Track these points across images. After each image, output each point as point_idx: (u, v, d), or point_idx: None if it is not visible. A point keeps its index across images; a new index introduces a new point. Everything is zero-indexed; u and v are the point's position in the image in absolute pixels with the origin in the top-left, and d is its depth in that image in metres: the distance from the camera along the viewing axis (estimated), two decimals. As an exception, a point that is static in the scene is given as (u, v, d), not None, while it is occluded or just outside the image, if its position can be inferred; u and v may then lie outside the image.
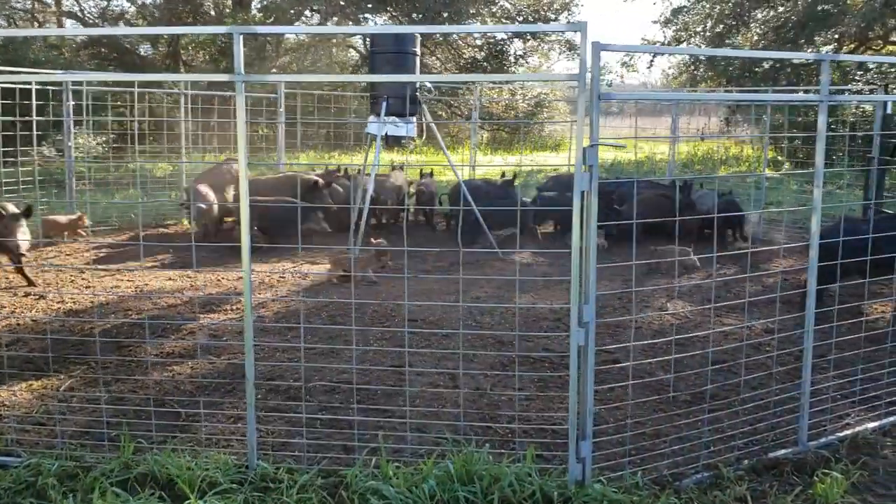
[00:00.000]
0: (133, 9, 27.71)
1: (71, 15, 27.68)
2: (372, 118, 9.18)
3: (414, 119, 9.22)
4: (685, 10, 26.08)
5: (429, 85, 9.41)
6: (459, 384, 5.19)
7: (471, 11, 21.55)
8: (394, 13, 21.82)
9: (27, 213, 7.75)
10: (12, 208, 7.73)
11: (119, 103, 17.80)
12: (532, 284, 8.10)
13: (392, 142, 9.30)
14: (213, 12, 25.74)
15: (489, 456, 3.82)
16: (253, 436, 3.91)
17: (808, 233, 4.27)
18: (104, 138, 19.18)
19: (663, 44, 26.85)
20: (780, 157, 21.51)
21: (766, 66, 23.35)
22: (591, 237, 3.57)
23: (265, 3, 25.56)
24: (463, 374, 5.27)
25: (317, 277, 8.50)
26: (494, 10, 22.54)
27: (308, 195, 9.76)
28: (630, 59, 28.16)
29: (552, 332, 6.46)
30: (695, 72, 25.82)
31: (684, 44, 26.83)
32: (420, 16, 22.09)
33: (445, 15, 21.00)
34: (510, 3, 24.06)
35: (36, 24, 27.09)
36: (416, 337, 6.24)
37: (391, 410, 4.69)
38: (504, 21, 22.92)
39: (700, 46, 26.05)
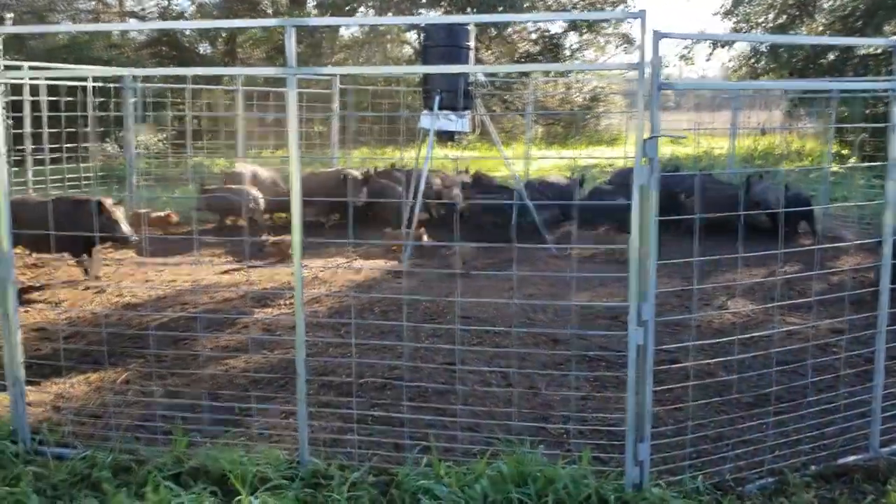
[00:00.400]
0: (192, 7, 28.20)
1: (132, 14, 28.27)
2: (425, 112, 9.12)
3: (467, 113, 9.12)
4: (746, 0, 25.42)
5: (483, 78, 9.29)
6: (512, 383, 5.10)
7: (525, 5, 21.35)
8: (448, 8, 21.75)
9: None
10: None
11: (178, 100, 18.11)
12: (588, 282, 7.94)
13: (445, 137, 9.21)
14: (269, 10, 26.02)
15: (543, 457, 3.72)
16: (304, 431, 3.89)
17: (877, 229, 4.06)
18: (164, 135, 19.60)
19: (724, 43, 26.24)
20: (844, 151, 20.83)
21: (831, 57, 22.62)
22: (651, 233, 3.44)
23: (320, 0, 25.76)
24: (516, 372, 5.18)
25: (370, 272, 8.49)
26: (549, 2, 22.32)
27: (338, 189, 9.63)
28: (689, 52, 27.55)
29: (608, 330, 6.31)
30: (755, 64, 25.14)
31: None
32: (474, 10, 21.97)
33: (500, 9, 20.85)
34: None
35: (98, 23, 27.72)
36: (468, 334, 6.15)
37: (443, 408, 4.62)
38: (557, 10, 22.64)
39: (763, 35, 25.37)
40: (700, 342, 5.71)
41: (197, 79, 13.14)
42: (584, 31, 23.79)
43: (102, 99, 11.33)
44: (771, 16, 25.38)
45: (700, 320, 6.65)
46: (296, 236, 3.78)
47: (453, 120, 8.93)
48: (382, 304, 7.03)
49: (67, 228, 6.98)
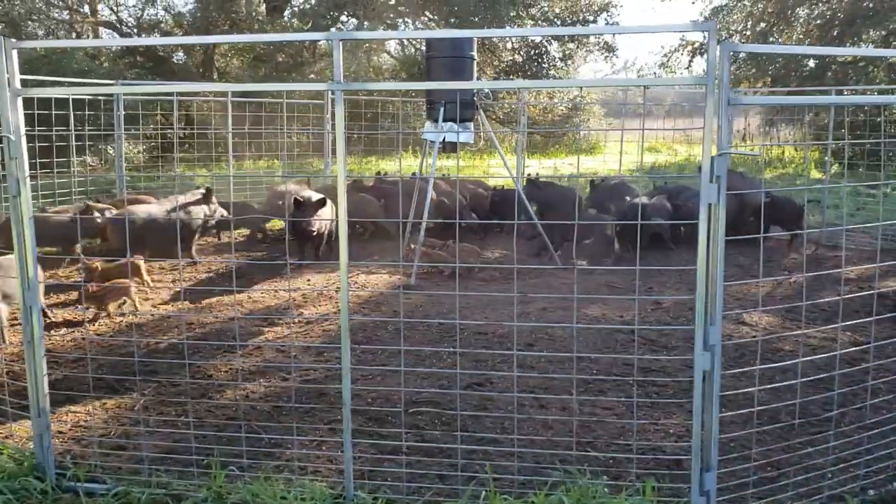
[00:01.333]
0: (169, 17, 27.80)
1: (108, 25, 27.81)
2: (429, 124, 8.97)
3: (471, 125, 8.99)
4: (726, 8, 25.62)
5: (486, 90, 9.15)
6: (566, 407, 4.94)
7: (511, 14, 21.29)
8: (431, 16, 21.63)
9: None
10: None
11: (157, 113, 17.79)
12: (598, 296, 7.82)
13: (449, 148, 9.05)
14: (244, 19, 25.74)
15: (605, 489, 3.56)
16: (350, 464, 3.69)
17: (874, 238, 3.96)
18: (144, 147, 19.27)
19: (702, 44, 26.37)
20: (826, 158, 20.96)
21: (811, 64, 22.84)
22: (719, 253, 3.30)
23: (297, 8, 25.54)
24: (558, 397, 5.01)
25: (375, 288, 8.32)
26: (534, 12, 22.30)
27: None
28: (667, 60, 27.72)
29: (631, 348, 6.18)
30: (736, 71, 25.30)
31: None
32: (456, 20, 21.88)
33: (476, 19, 20.76)
34: (547, 5, 23.76)
35: (74, 34, 27.25)
36: (490, 355, 5.98)
37: (481, 435, 4.45)
38: (542, 24, 22.61)
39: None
40: (762, 367, 5.53)
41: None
42: (566, 40, 23.78)
43: (82, 112, 11.01)
44: (749, 23, 25.63)
45: (733, 334, 6.52)
46: (343, 256, 3.60)
47: (457, 131, 8.78)
48: (396, 322, 6.85)
49: None
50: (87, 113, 10.55)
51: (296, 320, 6.94)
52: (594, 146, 29.92)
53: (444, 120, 8.71)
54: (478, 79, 12.64)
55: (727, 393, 4.30)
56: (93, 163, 18.71)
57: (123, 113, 10.91)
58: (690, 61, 27.72)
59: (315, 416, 4.76)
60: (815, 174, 19.87)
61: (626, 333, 6.62)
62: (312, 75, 19.75)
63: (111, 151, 19.09)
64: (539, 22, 22.38)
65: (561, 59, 24.49)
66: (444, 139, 8.80)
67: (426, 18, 21.96)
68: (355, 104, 14.25)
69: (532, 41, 23.92)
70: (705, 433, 3.44)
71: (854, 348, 6.00)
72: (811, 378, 4.97)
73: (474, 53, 8.89)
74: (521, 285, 8.34)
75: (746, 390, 4.62)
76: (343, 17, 24.09)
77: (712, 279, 3.33)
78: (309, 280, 8.68)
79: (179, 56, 28.18)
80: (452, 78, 8.61)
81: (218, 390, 5.26)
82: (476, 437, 4.44)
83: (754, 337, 6.58)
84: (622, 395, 5.16)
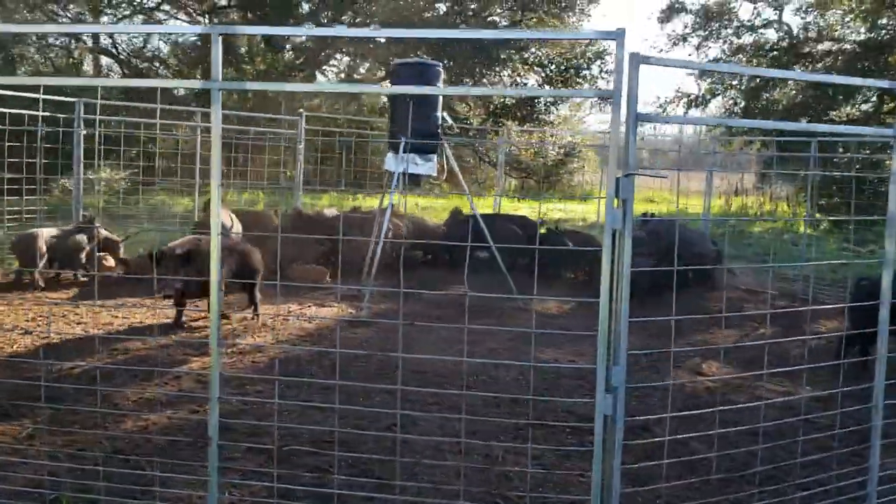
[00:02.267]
0: (167, 48, 27.90)
1: (105, 52, 27.84)
2: (390, 155, 8.70)
3: (434, 157, 8.72)
4: (722, 62, 25.61)
5: (450, 121, 8.91)
6: (465, 451, 4.55)
7: (501, 57, 21.26)
8: (424, 56, 21.59)
9: None
10: None
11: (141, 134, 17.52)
12: (554, 338, 7.45)
13: (411, 180, 8.78)
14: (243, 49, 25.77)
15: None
16: (214, 507, 3.31)
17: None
18: (126, 172, 19.02)
19: (699, 96, 26.41)
20: (817, 214, 20.75)
21: (804, 121, 22.73)
22: (623, 286, 2.97)
23: (295, 44, 25.58)
24: (469, 441, 4.63)
25: (324, 322, 7.96)
26: (527, 56, 22.30)
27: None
28: (664, 111, 27.64)
29: (574, 393, 5.80)
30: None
31: (719, 97, 26.33)
32: (450, 61, 21.84)
33: (475, 60, 20.74)
34: (542, 52, 23.78)
35: (71, 59, 27.30)
36: (419, 394, 5.60)
37: (385, 481, 4.06)
38: (536, 69, 22.60)
39: (737, 98, 25.54)
40: (674, 414, 5.17)
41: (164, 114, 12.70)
42: (560, 85, 23.71)
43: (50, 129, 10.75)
44: (745, 78, 25.57)
45: (667, 385, 6.15)
46: (214, 293, 3.26)
47: (419, 163, 8.51)
48: (331, 357, 6.48)
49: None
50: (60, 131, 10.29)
51: (226, 350, 6.56)
52: (590, 192, 29.80)
53: (406, 152, 8.45)
54: (456, 115, 12.43)
55: (631, 441, 3.94)
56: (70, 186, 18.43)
57: (84, 131, 10.61)
58: (686, 112, 27.68)
59: (195, 452, 4.36)
60: (803, 230, 19.67)
61: (573, 377, 6.27)
62: (302, 109, 19.55)
63: (91, 176, 18.89)
64: (534, 66, 22.37)
65: (553, 104, 24.39)
66: (404, 171, 8.52)
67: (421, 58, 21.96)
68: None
69: (524, 84, 23.87)
70: (605, 484, 3.07)
71: (780, 398, 5.63)
72: (735, 429, 4.58)
73: (440, 84, 8.66)
74: (478, 325, 7.98)
75: (656, 440, 4.23)
76: (338, 56, 24.11)
77: (616, 314, 2.99)
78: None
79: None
80: (417, 111, 8.38)
81: (117, 420, 4.88)
82: (379, 484, 4.05)
83: (708, 388, 6.23)
84: (552, 443, 4.78)
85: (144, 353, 6.41)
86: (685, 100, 26.97)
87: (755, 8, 26.28)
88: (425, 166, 8.55)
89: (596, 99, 25.60)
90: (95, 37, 27.83)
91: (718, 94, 25.97)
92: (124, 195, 17.41)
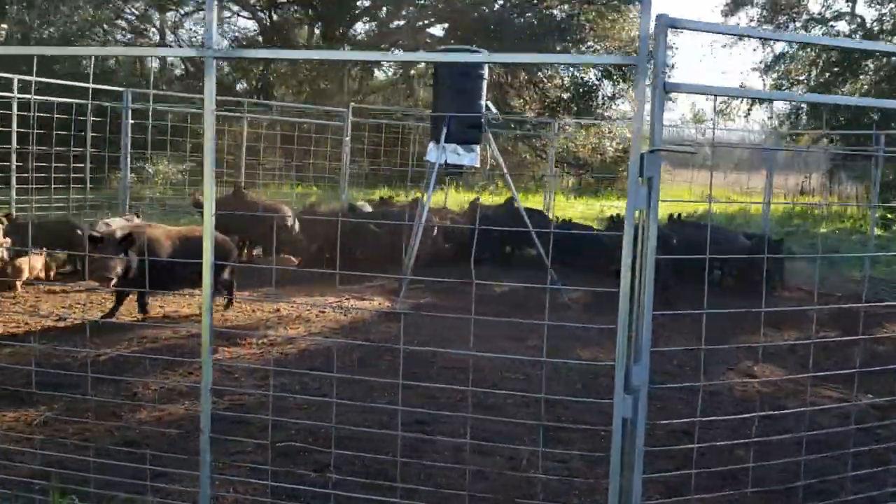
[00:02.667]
0: (226, 43, 28.17)
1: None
2: (431, 145, 8.46)
3: (477, 148, 8.44)
4: (788, 56, 24.71)
5: (494, 110, 8.62)
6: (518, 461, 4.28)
7: (557, 49, 20.81)
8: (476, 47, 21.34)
9: None
10: None
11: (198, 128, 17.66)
12: (595, 335, 7.11)
13: (453, 171, 8.52)
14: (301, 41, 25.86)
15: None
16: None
17: None
18: (184, 165, 19.18)
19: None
20: (889, 215, 19.82)
21: (875, 116, 21.74)
22: (647, 275, 2.66)
23: (351, 39, 25.57)
24: (494, 444, 4.36)
25: (360, 314, 7.76)
26: (583, 49, 21.79)
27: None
28: (727, 108, 26.81)
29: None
30: (796, 119, 24.30)
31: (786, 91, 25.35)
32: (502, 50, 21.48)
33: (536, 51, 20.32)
34: (601, 46, 23.25)
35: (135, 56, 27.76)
36: (445, 391, 5.35)
37: (390, 483, 3.81)
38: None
39: (802, 94, 24.58)
40: (714, 418, 4.82)
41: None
42: (619, 81, 23.14)
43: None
44: (814, 73, 24.64)
45: (717, 388, 5.77)
46: (206, 279, 3.06)
47: (461, 154, 8.24)
48: (361, 350, 6.27)
49: None
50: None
51: (257, 341, 6.42)
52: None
53: (448, 141, 8.19)
54: (497, 105, 12.15)
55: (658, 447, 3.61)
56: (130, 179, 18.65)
57: (130, 122, 10.63)
58: (749, 109, 26.82)
59: (220, 446, 4.19)
60: (877, 231, 18.81)
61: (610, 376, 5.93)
62: (353, 103, 19.39)
63: (150, 169, 19.13)
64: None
65: (611, 98, 23.84)
66: (445, 161, 8.27)
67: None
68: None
69: (582, 78, 23.37)
70: (625, 497, 2.77)
71: (832, 404, 5.20)
72: (779, 437, 4.20)
73: (484, 72, 8.39)
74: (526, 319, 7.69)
75: (682, 446, 3.87)
76: (392, 50, 23.99)
77: (639, 305, 2.68)
78: (295, 301, 8.18)
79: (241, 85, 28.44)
80: (458, 100, 8.13)
81: (133, 409, 4.75)
82: (390, 488, 3.81)
83: (758, 390, 5.83)
84: (587, 447, 4.47)
85: (173, 343, 6.30)
86: (748, 99, 26.13)
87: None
88: (468, 157, 8.28)
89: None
90: (161, 33, 28.35)
91: (785, 90, 25.06)
92: (178, 188, 17.63)
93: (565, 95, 22.41)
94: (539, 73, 21.92)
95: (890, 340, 7.59)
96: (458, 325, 7.08)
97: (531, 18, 21.80)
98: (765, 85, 25.22)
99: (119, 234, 6.49)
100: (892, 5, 23.35)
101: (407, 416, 4.77)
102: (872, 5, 23.76)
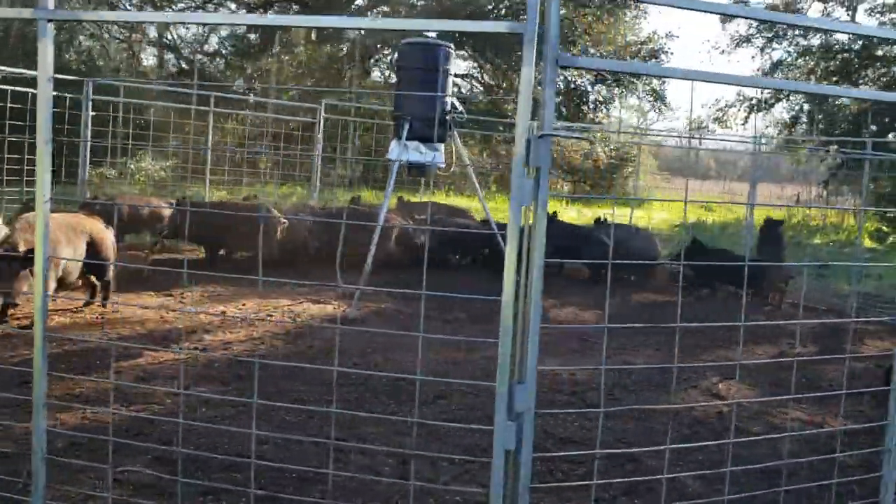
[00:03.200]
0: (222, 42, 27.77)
1: (167, 47, 27.83)
2: (393, 143, 8.07)
3: (441, 146, 8.05)
4: (785, 63, 24.32)
5: (459, 107, 8.23)
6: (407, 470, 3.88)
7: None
8: (470, 52, 20.99)
9: None
10: None
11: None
12: (564, 346, 6.72)
13: (416, 171, 8.13)
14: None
15: None
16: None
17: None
18: (168, 162, 18.78)
19: (760, 101, 25.11)
20: (885, 228, 19.41)
21: (874, 128, 21.35)
22: (534, 280, 2.27)
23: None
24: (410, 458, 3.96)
25: (310, 320, 7.37)
26: (574, 51, 21.39)
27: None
28: (723, 115, 26.42)
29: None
30: (793, 127, 23.92)
31: (783, 101, 24.96)
32: (494, 52, 21.19)
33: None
34: (590, 45, 22.92)
35: (130, 52, 27.40)
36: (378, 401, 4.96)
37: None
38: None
39: (802, 104, 24.21)
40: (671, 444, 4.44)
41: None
42: (612, 85, 22.77)
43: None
44: (812, 81, 24.23)
45: (679, 408, 5.36)
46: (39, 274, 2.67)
47: (424, 152, 7.85)
48: (298, 359, 5.89)
49: None
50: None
51: (185, 345, 6.03)
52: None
53: (410, 139, 7.80)
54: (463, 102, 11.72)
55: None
56: (110, 175, 18.27)
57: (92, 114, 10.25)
58: (747, 117, 26.40)
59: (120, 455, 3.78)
60: (869, 244, 18.43)
61: (566, 394, 5.56)
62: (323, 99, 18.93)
63: (132, 166, 18.73)
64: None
65: (601, 103, 23.47)
66: (406, 161, 7.89)
67: (465, 54, 21.32)
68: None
69: (573, 82, 22.98)
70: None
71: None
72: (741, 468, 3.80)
73: (450, 68, 8.00)
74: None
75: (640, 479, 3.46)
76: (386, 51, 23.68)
77: (523, 318, 2.29)
78: (243, 304, 7.79)
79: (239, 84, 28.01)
80: (421, 93, 7.75)
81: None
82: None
83: (718, 411, 5.42)
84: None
85: (94, 346, 5.90)
86: (746, 104, 25.74)
87: (825, 8, 24.93)
88: (431, 155, 7.88)
89: (652, 97, 24.50)
90: (159, 31, 27.94)
91: (782, 99, 24.65)
92: (160, 185, 17.21)
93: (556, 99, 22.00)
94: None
95: (871, 358, 7.18)
96: (409, 334, 6.70)
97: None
98: (762, 92, 24.81)
99: (23, 248, 5.89)
100: (892, 15, 22.99)
101: (316, 436, 4.39)
102: (872, 14, 23.40)
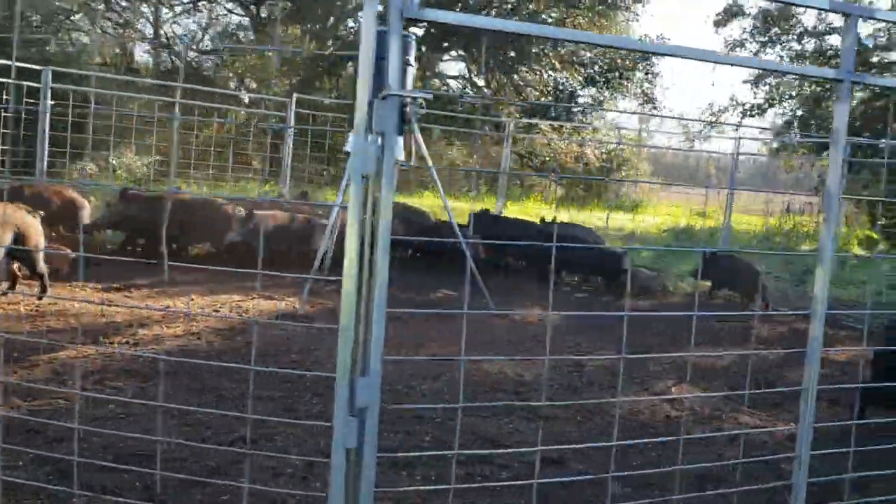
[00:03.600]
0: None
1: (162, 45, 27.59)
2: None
3: (400, 138, 7.79)
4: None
5: (420, 99, 7.97)
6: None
7: (533, 52, 20.19)
8: (459, 53, 20.76)
9: None
10: None
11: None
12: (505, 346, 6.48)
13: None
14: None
15: None
16: None
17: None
18: (149, 159, 18.53)
19: (753, 106, 24.93)
20: (874, 235, 19.13)
21: (867, 135, 21.09)
22: (379, 259, 2.02)
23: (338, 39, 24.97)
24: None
25: (258, 316, 7.13)
26: (562, 52, 21.18)
27: None
28: (717, 119, 26.18)
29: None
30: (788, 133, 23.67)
31: (776, 107, 24.77)
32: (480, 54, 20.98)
33: (512, 54, 19.77)
34: (587, 55, 22.75)
35: (122, 48, 27.16)
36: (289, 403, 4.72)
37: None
38: (578, 67, 21.40)
39: (795, 109, 24.02)
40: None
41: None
42: (602, 85, 22.53)
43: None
44: (807, 89, 24.05)
45: (624, 408, 5.11)
46: None
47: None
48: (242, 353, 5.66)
49: None
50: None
51: (116, 339, 5.79)
52: (638, 204, 28.34)
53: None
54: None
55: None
56: (91, 170, 18.02)
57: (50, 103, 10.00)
58: (740, 121, 26.18)
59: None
60: (857, 251, 18.19)
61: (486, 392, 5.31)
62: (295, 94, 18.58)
63: (114, 161, 18.47)
64: (568, 62, 21.21)
65: (592, 105, 23.22)
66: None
67: (454, 54, 21.08)
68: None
69: (562, 84, 22.76)
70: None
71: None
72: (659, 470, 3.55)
73: (410, 57, 7.75)
74: (446, 327, 7.07)
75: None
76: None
77: (367, 302, 2.04)
78: (192, 299, 7.55)
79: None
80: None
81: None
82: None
83: (668, 417, 5.17)
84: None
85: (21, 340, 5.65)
86: (740, 108, 25.49)
87: (821, 13, 24.67)
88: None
89: (641, 98, 24.24)
90: (155, 28, 27.64)
91: (775, 103, 24.42)
92: (141, 182, 16.94)
93: (544, 100, 21.77)
94: (515, 76, 21.27)
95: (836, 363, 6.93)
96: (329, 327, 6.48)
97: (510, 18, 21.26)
98: (755, 97, 24.63)
99: None
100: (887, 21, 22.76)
101: (225, 436, 4.14)
102: (867, 21, 23.16)
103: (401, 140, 7.69)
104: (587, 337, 7.05)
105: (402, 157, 7.82)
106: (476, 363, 6.00)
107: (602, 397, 5.52)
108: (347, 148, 7.84)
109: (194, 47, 27.84)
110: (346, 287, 2.01)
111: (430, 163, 7.93)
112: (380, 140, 2.00)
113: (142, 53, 28.32)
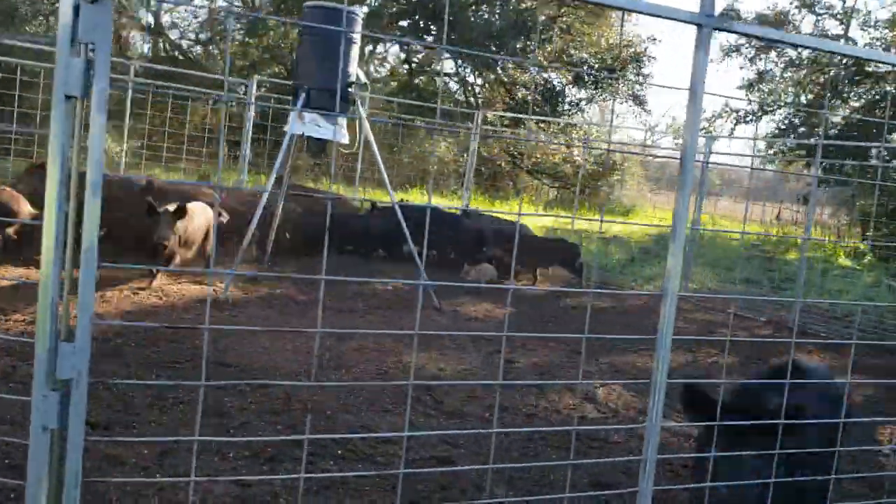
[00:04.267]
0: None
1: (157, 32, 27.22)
2: (292, 116, 7.47)
3: (343, 121, 7.44)
4: (770, 74, 23.74)
5: (364, 79, 7.64)
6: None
7: (517, 46, 19.78)
8: (434, 41, 20.32)
9: None
10: None
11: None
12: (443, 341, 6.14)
13: (314, 146, 7.54)
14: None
15: None
16: None
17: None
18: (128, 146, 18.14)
19: (748, 113, 24.53)
20: (862, 245, 18.74)
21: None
22: (89, 205, 1.66)
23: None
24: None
25: (179, 301, 6.79)
26: (550, 49, 20.77)
27: None
28: (709, 125, 25.79)
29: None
30: (783, 139, 23.29)
31: (770, 114, 24.37)
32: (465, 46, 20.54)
33: (493, 48, 19.38)
34: (575, 53, 22.36)
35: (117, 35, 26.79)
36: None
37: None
38: (562, 63, 20.98)
39: (790, 114, 23.57)
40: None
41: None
42: (590, 84, 22.13)
43: None
44: (803, 96, 23.64)
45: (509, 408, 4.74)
46: None
47: (322, 126, 7.26)
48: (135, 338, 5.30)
49: None
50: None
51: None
52: (630, 209, 27.91)
53: (308, 109, 7.21)
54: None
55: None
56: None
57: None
58: (733, 128, 25.79)
59: None
60: (845, 262, 17.87)
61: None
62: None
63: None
64: (556, 54, 20.82)
65: (576, 104, 22.84)
66: (303, 134, 7.31)
67: (431, 39, 20.65)
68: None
69: (549, 80, 22.36)
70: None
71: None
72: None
73: (355, 37, 7.42)
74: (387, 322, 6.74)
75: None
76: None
77: (73, 251, 1.68)
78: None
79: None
80: (323, 66, 7.15)
81: None
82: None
83: (584, 419, 4.81)
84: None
85: None
86: (734, 115, 25.10)
87: (818, 20, 24.32)
88: (330, 130, 7.27)
89: (631, 100, 23.80)
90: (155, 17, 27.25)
91: (770, 111, 24.01)
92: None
93: (531, 98, 21.35)
94: (499, 70, 20.86)
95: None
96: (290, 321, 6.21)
97: (491, 14, 20.86)
98: (750, 102, 24.23)
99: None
100: (885, 30, 22.42)
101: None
102: (865, 28, 22.84)
103: (344, 122, 7.39)
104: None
105: (344, 138, 7.50)
106: (400, 357, 5.67)
107: (525, 395, 5.18)
108: (287, 129, 7.52)
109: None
110: (46, 231, 1.65)
111: (376, 150, 7.55)
112: (90, 54, 1.63)
113: (136, 42, 28.05)
